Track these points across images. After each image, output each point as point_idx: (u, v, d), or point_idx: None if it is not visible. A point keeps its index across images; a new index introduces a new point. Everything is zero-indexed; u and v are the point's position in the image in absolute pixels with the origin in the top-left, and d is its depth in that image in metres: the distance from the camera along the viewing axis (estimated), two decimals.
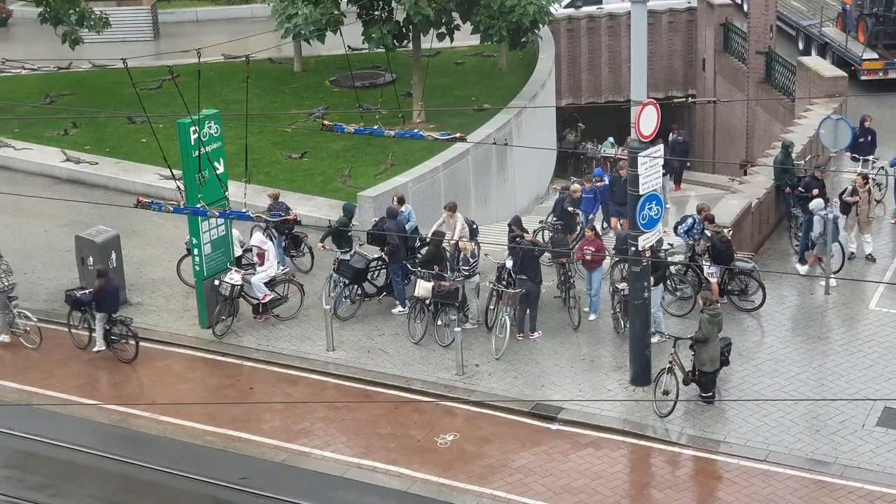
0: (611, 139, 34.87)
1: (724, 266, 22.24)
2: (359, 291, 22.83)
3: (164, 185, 27.54)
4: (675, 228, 23.30)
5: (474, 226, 23.44)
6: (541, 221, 26.10)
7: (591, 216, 25.35)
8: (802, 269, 23.82)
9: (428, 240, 22.67)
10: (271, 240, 23.42)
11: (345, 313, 22.54)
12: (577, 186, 25.15)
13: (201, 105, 22.17)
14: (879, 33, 36.61)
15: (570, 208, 24.58)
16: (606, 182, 26.11)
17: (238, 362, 21.64)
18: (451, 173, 28.51)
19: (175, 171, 21.98)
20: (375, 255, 23.22)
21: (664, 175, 31.57)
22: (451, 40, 32.30)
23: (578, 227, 24.42)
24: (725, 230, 22.98)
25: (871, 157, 27.51)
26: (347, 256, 22.71)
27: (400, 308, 22.81)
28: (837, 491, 17.23)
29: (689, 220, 23.02)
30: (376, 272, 23.21)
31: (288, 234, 24.21)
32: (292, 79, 36.14)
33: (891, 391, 19.38)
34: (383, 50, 31.25)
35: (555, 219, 24.91)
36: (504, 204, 30.26)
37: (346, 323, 22.46)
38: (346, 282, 22.61)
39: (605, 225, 26.02)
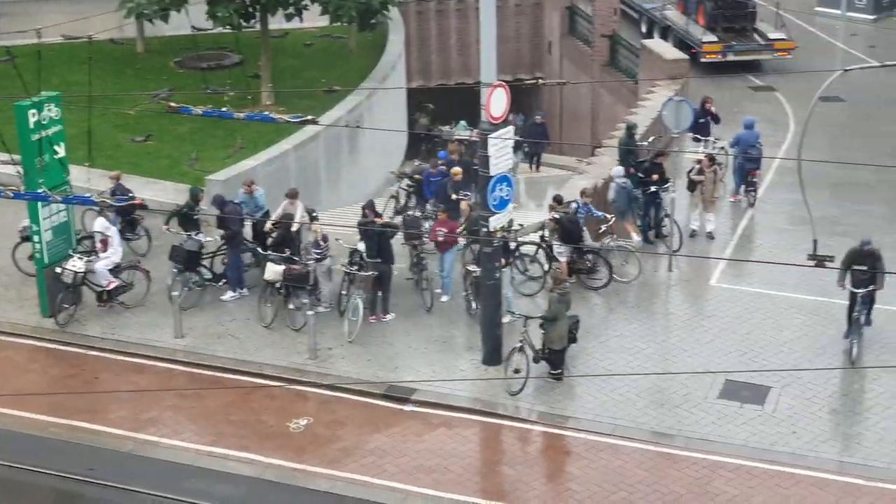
0: (463, 122, 35.10)
1: (573, 245, 22.63)
2: (196, 278, 22.39)
3: (2, 170, 26.61)
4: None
5: (314, 213, 23.22)
6: (408, 209, 25.85)
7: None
8: (622, 242, 24.20)
9: (273, 224, 22.46)
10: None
11: (185, 302, 21.77)
12: (457, 169, 24.91)
13: (41, 87, 21.53)
14: (718, 17, 37.73)
15: (454, 195, 24.44)
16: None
17: (82, 351, 21.10)
18: (301, 156, 28.33)
19: (14, 156, 21.29)
20: (209, 238, 22.85)
21: (526, 157, 32.14)
22: (301, 20, 32.01)
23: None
24: (608, 217, 23.46)
25: (711, 138, 28.32)
26: (180, 241, 22.27)
27: (231, 293, 22.52)
28: (681, 462, 17.71)
29: (574, 205, 23.34)
30: (214, 256, 22.82)
31: (125, 216, 23.68)
32: (135, 60, 35.35)
33: (731, 364, 20.01)
34: (230, 30, 30.82)
35: (435, 204, 24.77)
36: (355, 187, 30.20)
37: (195, 309, 22.09)
38: (180, 268, 22.19)
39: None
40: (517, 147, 28.51)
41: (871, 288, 20.28)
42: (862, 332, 20.31)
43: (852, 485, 17.12)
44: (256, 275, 22.53)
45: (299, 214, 22.73)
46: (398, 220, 24.52)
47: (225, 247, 22.80)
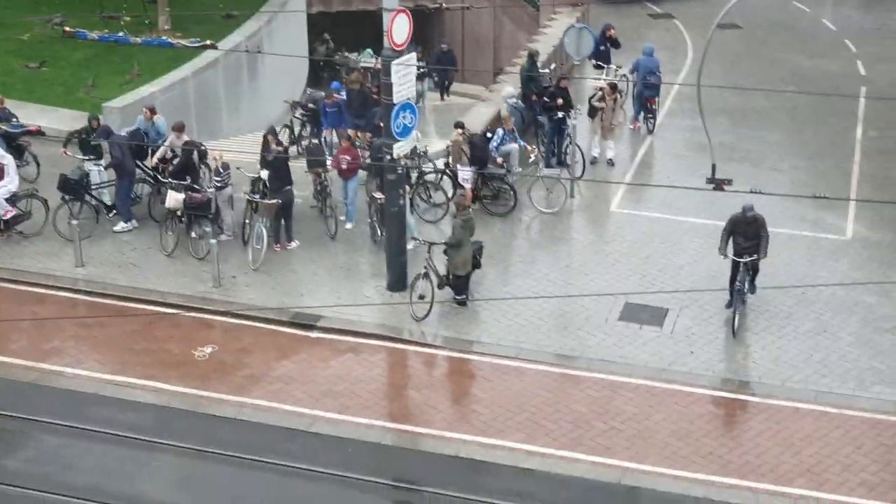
0: (369, 49, 34.78)
1: (478, 169, 22.75)
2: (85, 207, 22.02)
3: None
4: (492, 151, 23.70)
5: (202, 147, 22.80)
6: (302, 138, 25.60)
7: (339, 129, 25.27)
8: (548, 172, 24.54)
9: (160, 159, 22.15)
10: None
11: (72, 233, 21.10)
12: None
13: None
14: None
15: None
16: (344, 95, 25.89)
17: None
18: (200, 83, 27.90)
19: None
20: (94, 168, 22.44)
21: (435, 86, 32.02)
22: None
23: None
24: (530, 147, 23.57)
25: (612, 65, 28.53)
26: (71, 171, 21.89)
27: (123, 225, 22.22)
28: (583, 382, 18.08)
29: (500, 132, 23.43)
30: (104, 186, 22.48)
31: (10, 143, 23.14)
32: None
33: (631, 287, 20.40)
34: None
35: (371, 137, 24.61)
36: (256, 114, 29.85)
37: (96, 238, 21.79)
38: (67, 197, 21.80)
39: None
40: (424, 76, 28.40)
41: (754, 257, 19.23)
42: (745, 301, 19.45)
43: (748, 402, 17.67)
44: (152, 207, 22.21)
45: None
46: (293, 149, 24.39)
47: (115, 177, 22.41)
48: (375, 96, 25.97)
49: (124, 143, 21.98)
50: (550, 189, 23.45)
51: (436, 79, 32.03)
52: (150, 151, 22.80)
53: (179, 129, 22.52)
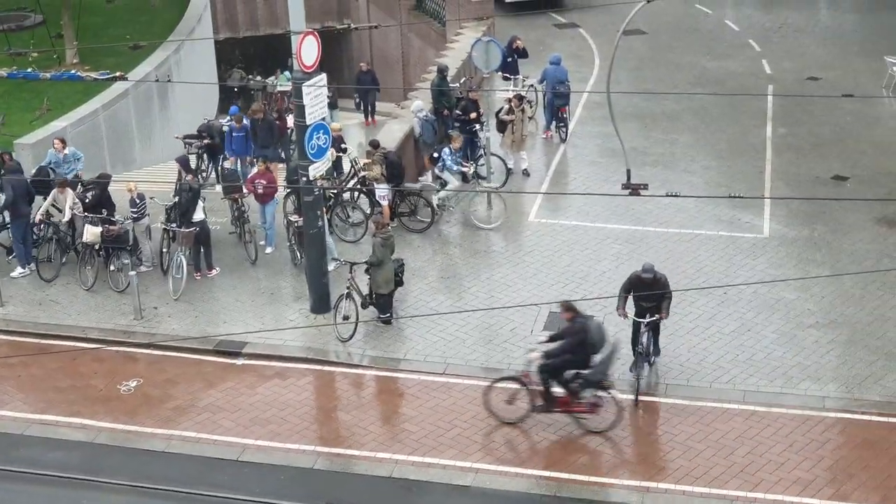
0: (287, 73, 34.63)
1: (395, 186, 22.81)
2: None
3: None
4: (437, 166, 23.70)
5: (86, 200, 22.10)
6: (200, 171, 25.28)
7: (249, 158, 24.98)
8: (484, 186, 24.55)
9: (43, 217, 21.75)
10: None
11: None
12: (336, 125, 24.43)
13: None
14: None
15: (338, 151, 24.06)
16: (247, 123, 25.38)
17: None
18: (111, 115, 27.69)
19: None
20: None
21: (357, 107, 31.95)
22: None
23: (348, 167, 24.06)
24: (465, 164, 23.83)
25: (520, 76, 28.76)
26: None
27: (21, 270, 21.78)
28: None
29: (446, 151, 23.45)
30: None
31: None
32: None
33: (554, 296, 20.55)
34: None
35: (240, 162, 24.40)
36: (169, 142, 29.66)
37: (12, 276, 21.46)
38: None
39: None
40: (332, 106, 28.15)
41: (656, 317, 18.12)
42: (653, 362, 18.52)
43: (678, 405, 17.82)
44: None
45: (70, 202, 21.78)
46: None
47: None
48: (280, 123, 25.94)
49: (17, 184, 21.44)
50: (489, 204, 23.61)
51: (357, 100, 31.91)
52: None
53: (62, 185, 21.97)
